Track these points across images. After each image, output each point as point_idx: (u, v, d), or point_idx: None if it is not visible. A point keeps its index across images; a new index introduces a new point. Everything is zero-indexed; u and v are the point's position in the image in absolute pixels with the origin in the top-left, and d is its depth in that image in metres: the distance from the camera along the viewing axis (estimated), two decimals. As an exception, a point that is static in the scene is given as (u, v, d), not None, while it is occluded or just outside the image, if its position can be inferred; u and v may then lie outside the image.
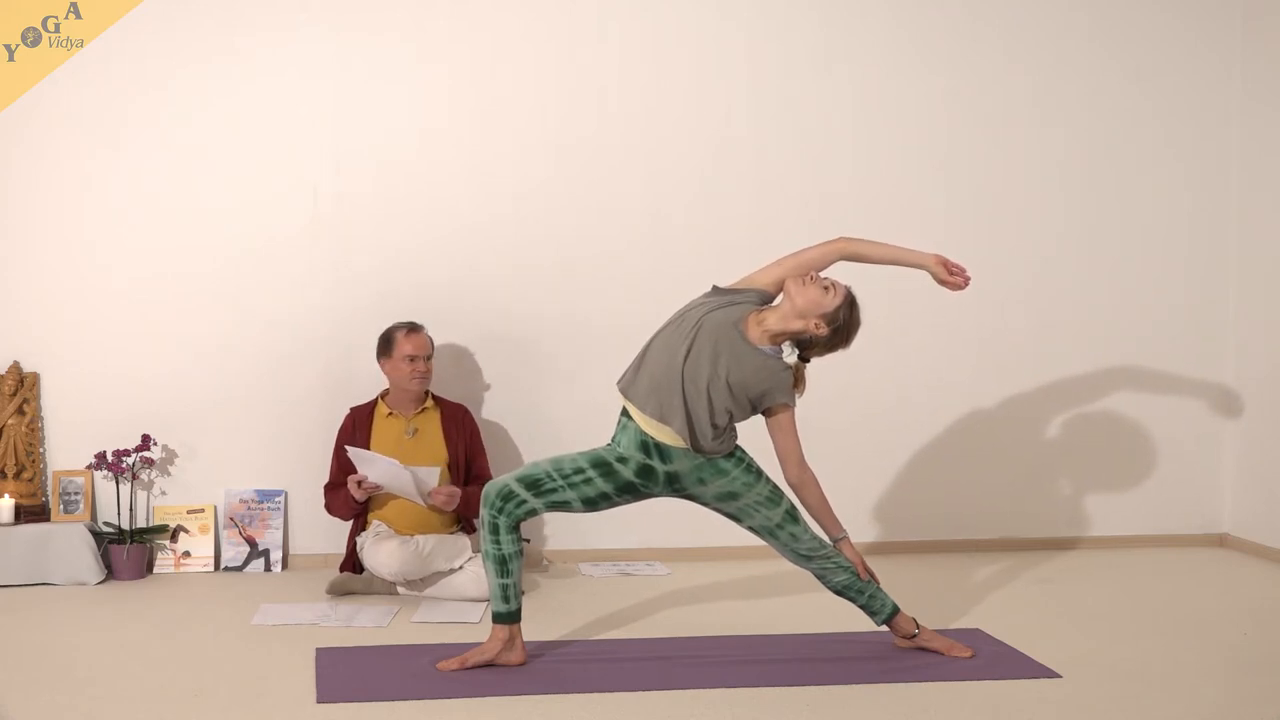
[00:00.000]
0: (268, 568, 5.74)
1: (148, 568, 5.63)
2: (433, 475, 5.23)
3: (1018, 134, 6.23)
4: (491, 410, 5.94)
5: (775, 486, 4.39)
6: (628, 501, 4.37)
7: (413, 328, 5.45)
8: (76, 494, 5.64)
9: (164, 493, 5.76)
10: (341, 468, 5.42)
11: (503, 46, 5.89)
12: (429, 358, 5.44)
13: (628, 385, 4.30)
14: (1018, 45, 6.21)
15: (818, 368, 4.38)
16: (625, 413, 4.32)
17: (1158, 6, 6.30)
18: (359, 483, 5.23)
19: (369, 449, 5.35)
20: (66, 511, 5.61)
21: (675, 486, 4.34)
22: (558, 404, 5.94)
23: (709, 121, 6.02)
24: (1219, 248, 6.39)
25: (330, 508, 5.47)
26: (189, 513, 5.73)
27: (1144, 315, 6.35)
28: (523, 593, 4.35)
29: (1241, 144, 6.35)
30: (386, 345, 5.45)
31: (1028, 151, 6.24)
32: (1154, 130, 6.33)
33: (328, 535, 5.75)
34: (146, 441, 5.58)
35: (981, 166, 6.21)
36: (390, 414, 5.46)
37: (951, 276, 4.38)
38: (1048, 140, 6.25)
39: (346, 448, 5.27)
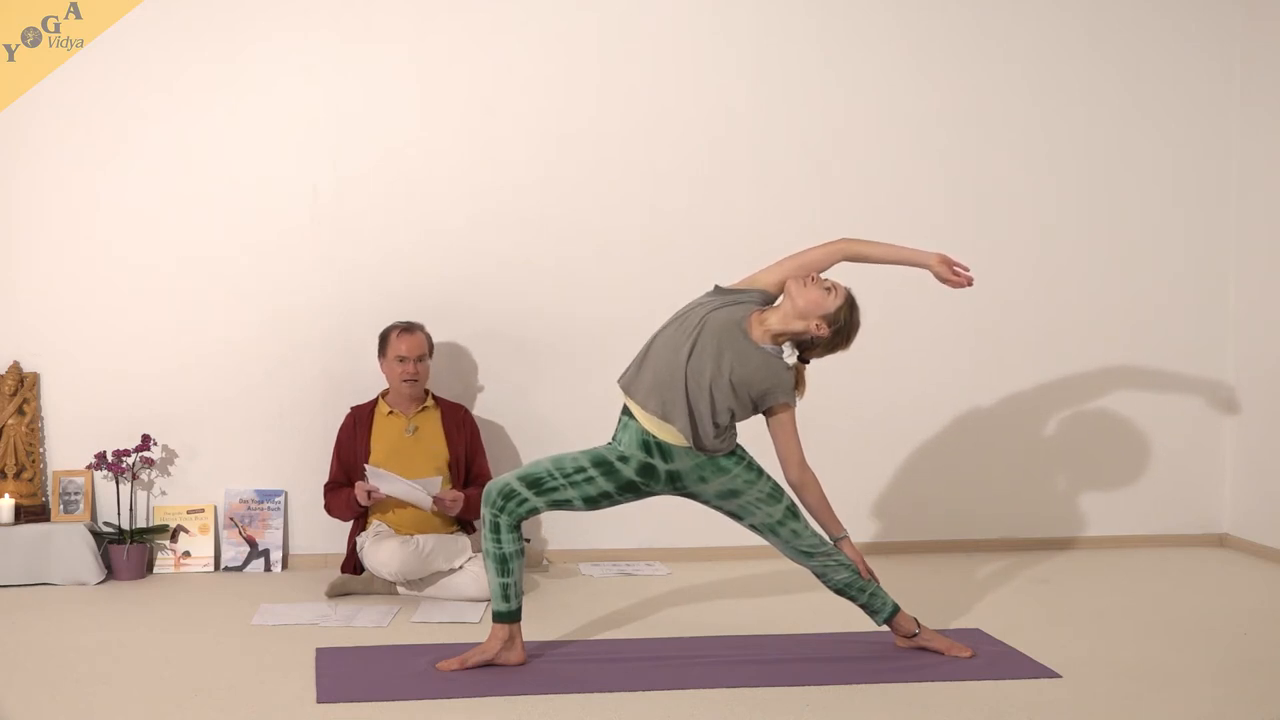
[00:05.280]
0: (268, 568, 5.74)
1: (148, 568, 5.63)
2: (434, 485, 5.23)
3: (1017, 134, 6.23)
4: (491, 409, 5.94)
5: (775, 484, 4.39)
6: (629, 500, 4.37)
7: (407, 328, 5.44)
8: (76, 494, 5.64)
9: (164, 493, 5.76)
10: (342, 468, 5.42)
11: (502, 46, 5.89)
12: (421, 359, 5.42)
13: (629, 382, 4.30)
14: (1017, 46, 6.21)
15: (818, 368, 4.39)
16: (626, 411, 4.31)
17: (1157, 7, 6.30)
18: (369, 493, 5.23)
19: (369, 447, 5.38)
20: (66, 511, 5.61)
21: (676, 485, 4.34)
22: (557, 404, 5.94)
23: (709, 121, 6.02)
24: (1218, 248, 6.38)
25: (330, 508, 5.46)
26: (189, 513, 5.73)
27: (1143, 315, 6.35)
28: (523, 592, 4.34)
29: (1241, 144, 6.34)
30: (382, 344, 5.46)
31: (1027, 152, 6.24)
32: (1154, 130, 6.33)
33: (328, 535, 5.75)
34: (146, 441, 5.58)
35: (981, 167, 6.20)
36: (391, 413, 5.46)
37: (954, 275, 4.38)
38: (1047, 141, 6.25)
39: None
